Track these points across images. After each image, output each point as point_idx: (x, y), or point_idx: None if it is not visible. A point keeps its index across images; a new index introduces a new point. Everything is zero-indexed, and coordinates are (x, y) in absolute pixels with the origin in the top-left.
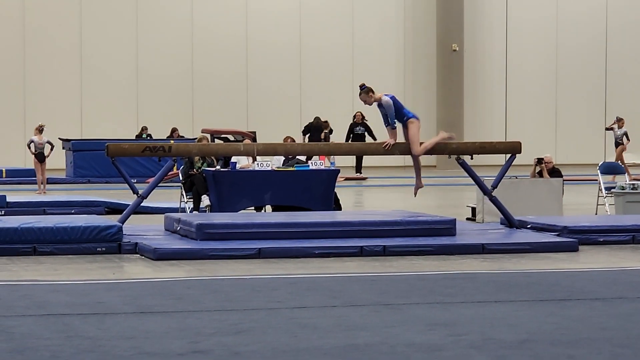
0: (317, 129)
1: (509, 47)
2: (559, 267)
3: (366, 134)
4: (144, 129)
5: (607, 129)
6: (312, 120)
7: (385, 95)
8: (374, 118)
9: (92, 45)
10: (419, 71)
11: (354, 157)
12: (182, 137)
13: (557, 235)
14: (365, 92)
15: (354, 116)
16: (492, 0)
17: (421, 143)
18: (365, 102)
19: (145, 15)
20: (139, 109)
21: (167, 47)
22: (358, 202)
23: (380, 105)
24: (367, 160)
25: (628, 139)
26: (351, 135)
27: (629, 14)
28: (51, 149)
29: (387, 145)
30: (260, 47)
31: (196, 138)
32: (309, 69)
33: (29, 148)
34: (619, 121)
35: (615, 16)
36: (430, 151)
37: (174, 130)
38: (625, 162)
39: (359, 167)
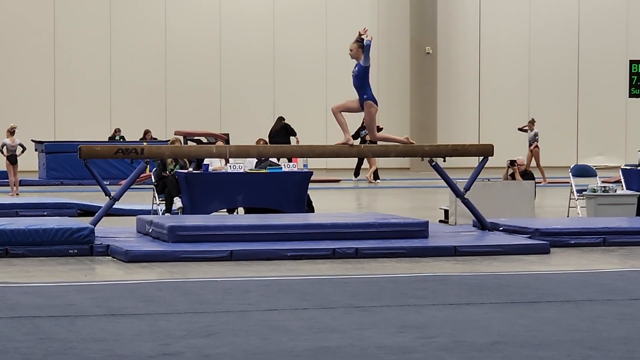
0: (280, 132)
1: (482, 49)
2: (531, 270)
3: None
4: (117, 130)
5: (519, 129)
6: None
7: None
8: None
9: (65, 47)
10: (393, 74)
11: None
12: (155, 139)
13: (529, 237)
14: (360, 45)
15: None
16: (465, 4)
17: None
18: (353, 56)
19: (119, 18)
20: (112, 111)
21: (140, 49)
22: (331, 205)
23: (358, 67)
24: (340, 162)
25: (537, 142)
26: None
27: (601, 18)
28: (22, 151)
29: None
30: (234, 50)
31: (169, 140)
32: (283, 71)
33: (1, 152)
34: (532, 123)
35: (587, 15)
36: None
37: (146, 132)
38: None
39: (357, 172)
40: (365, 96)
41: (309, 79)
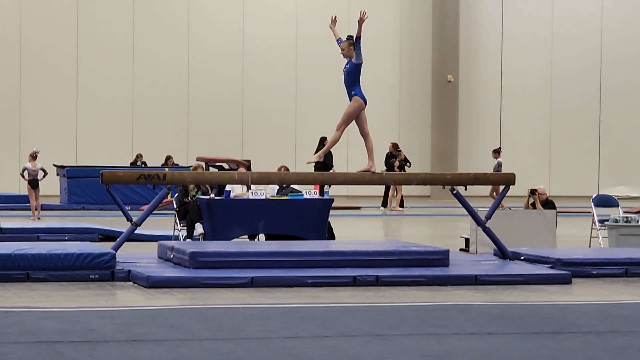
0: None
1: (504, 78)
2: (552, 300)
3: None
4: (139, 156)
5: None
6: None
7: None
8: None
9: (88, 72)
10: (414, 101)
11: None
12: (177, 165)
13: (551, 267)
14: (351, 43)
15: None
16: (488, 32)
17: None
18: (345, 54)
19: (142, 43)
20: (134, 136)
21: (163, 74)
22: (352, 232)
23: (350, 64)
24: (361, 189)
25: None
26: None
27: (623, 48)
28: (44, 176)
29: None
30: (256, 78)
31: (191, 166)
32: (304, 99)
33: (23, 176)
34: (496, 152)
35: (609, 49)
36: (424, 181)
37: (168, 158)
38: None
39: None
40: (353, 92)
41: (330, 106)
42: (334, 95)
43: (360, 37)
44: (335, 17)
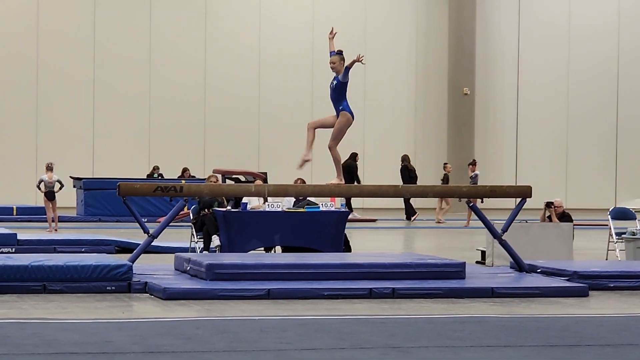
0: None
1: (520, 91)
2: (569, 313)
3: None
4: (156, 168)
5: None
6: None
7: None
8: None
9: (105, 84)
10: (431, 114)
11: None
12: (193, 177)
13: (567, 280)
14: (341, 58)
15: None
16: (504, 44)
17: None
18: (335, 68)
19: (158, 56)
20: (151, 148)
21: (179, 87)
22: (368, 244)
23: (337, 81)
24: (377, 202)
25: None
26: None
27: None
28: (60, 188)
29: None
30: (273, 90)
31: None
32: (321, 111)
33: (39, 188)
34: (473, 164)
35: (626, 61)
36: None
37: (184, 170)
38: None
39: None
40: (340, 107)
41: None
42: (352, 105)
43: (351, 66)
44: (334, 29)
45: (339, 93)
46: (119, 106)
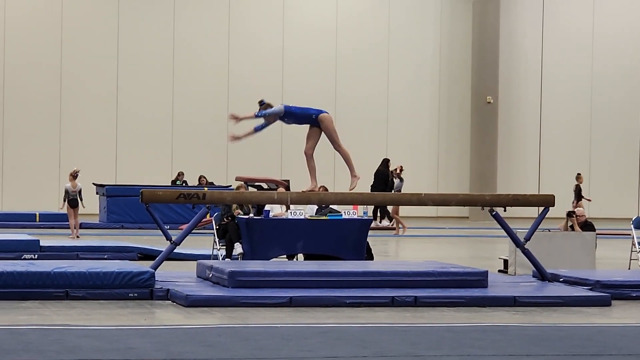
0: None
1: (544, 99)
2: (592, 322)
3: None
4: (180, 174)
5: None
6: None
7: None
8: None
9: (128, 91)
10: (453, 122)
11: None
12: (212, 183)
13: (590, 289)
14: (264, 107)
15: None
16: (527, 53)
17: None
18: (271, 121)
19: (181, 61)
20: (174, 155)
21: (202, 94)
22: (390, 252)
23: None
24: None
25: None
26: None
27: None
28: (80, 197)
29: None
30: (295, 96)
31: (229, 186)
32: (344, 117)
33: (64, 199)
34: (398, 170)
35: None
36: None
37: (200, 177)
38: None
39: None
40: (313, 115)
41: (369, 124)
42: (374, 111)
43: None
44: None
45: (295, 115)
46: (141, 113)
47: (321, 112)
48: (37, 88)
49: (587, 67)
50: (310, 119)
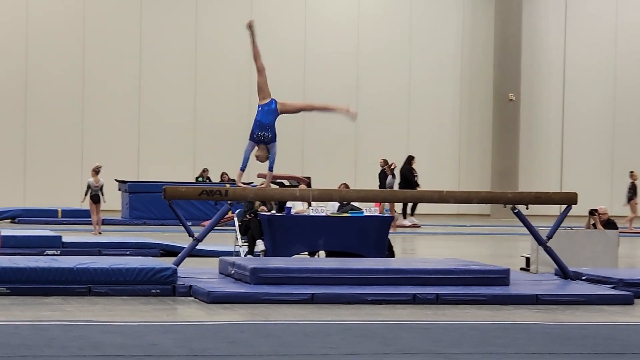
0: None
1: (566, 97)
2: (614, 320)
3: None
4: (205, 171)
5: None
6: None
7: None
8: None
9: (150, 88)
10: (475, 119)
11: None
12: (234, 180)
13: (613, 287)
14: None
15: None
16: (550, 50)
17: None
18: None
19: (204, 58)
20: (196, 152)
21: (225, 91)
22: (411, 250)
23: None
24: (420, 207)
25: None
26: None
27: None
28: (101, 192)
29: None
30: (317, 92)
31: (251, 182)
32: (365, 114)
33: (86, 194)
34: (389, 166)
35: None
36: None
37: (222, 175)
38: None
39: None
40: (273, 105)
41: (391, 121)
42: (396, 108)
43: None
44: None
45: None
46: (164, 109)
47: (274, 101)
48: (60, 85)
49: (610, 63)
50: (275, 114)
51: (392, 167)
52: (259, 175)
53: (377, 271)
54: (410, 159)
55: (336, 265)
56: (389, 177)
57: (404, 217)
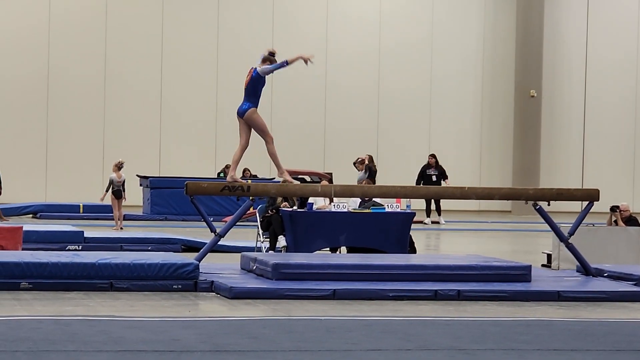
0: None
1: (588, 93)
2: (636, 317)
3: (440, 178)
4: (227, 167)
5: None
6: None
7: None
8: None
9: (172, 83)
10: (496, 116)
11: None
12: (255, 176)
13: (635, 284)
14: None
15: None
16: (572, 46)
17: None
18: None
19: (225, 55)
20: (217, 147)
21: None
22: (433, 246)
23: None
24: (442, 203)
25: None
26: (422, 180)
27: None
28: (123, 188)
29: None
30: (339, 88)
31: (273, 178)
32: (387, 110)
33: (108, 189)
34: (361, 163)
35: None
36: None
37: (244, 170)
38: None
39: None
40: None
41: (412, 117)
42: (417, 105)
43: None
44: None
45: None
46: (185, 105)
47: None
48: (82, 81)
49: (632, 59)
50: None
51: (360, 160)
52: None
53: (398, 267)
54: (431, 158)
55: (358, 261)
56: (360, 173)
57: (427, 215)
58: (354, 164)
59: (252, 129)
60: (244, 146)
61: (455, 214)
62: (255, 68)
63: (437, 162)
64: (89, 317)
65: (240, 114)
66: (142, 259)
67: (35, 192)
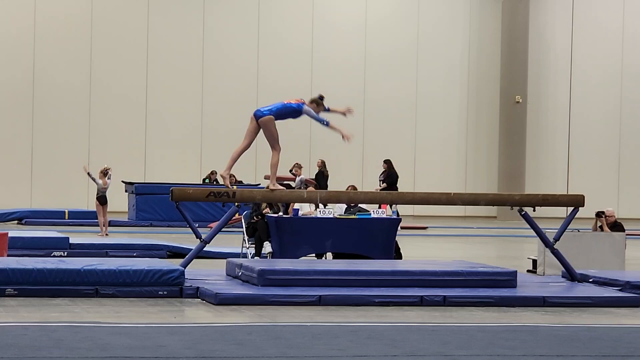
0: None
1: (573, 99)
2: (621, 323)
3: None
4: (213, 173)
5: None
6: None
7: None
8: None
9: (157, 89)
10: (482, 122)
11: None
12: (241, 182)
13: (620, 290)
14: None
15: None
16: (557, 53)
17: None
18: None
19: (210, 62)
20: (202, 153)
21: (231, 93)
22: (418, 252)
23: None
24: (427, 209)
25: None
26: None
27: None
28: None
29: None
30: (325, 95)
31: (258, 184)
32: (372, 117)
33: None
34: (298, 167)
35: None
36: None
37: (230, 176)
38: None
39: None
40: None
41: (398, 124)
42: (403, 111)
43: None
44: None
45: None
46: (171, 111)
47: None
48: (67, 87)
49: (617, 66)
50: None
51: (297, 165)
52: (266, 177)
53: (384, 273)
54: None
55: (344, 267)
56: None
57: None
58: (290, 170)
59: (263, 135)
60: (245, 148)
61: (441, 220)
62: (304, 103)
63: (389, 167)
64: (75, 324)
65: (258, 116)
66: (127, 265)
67: (20, 198)
